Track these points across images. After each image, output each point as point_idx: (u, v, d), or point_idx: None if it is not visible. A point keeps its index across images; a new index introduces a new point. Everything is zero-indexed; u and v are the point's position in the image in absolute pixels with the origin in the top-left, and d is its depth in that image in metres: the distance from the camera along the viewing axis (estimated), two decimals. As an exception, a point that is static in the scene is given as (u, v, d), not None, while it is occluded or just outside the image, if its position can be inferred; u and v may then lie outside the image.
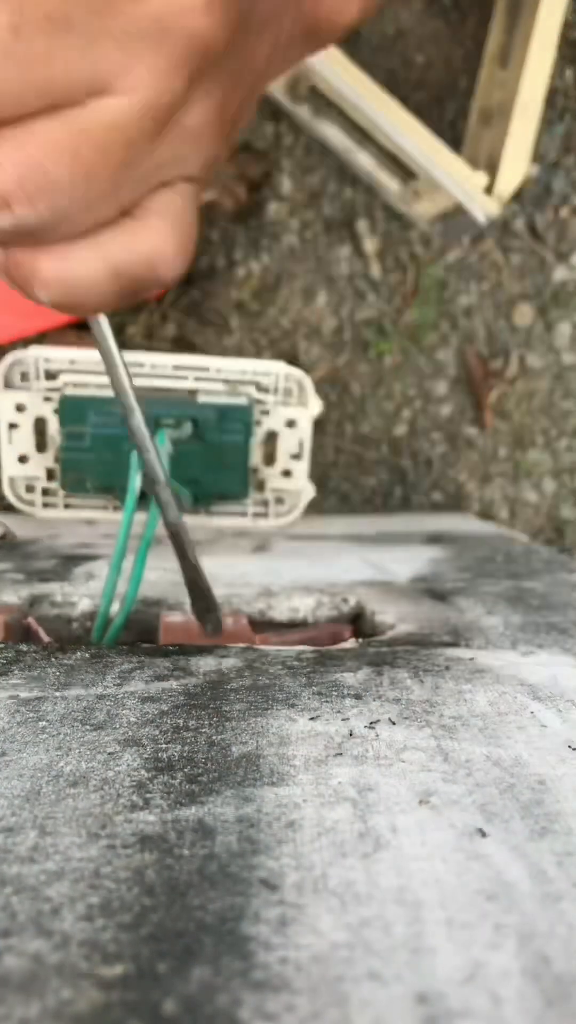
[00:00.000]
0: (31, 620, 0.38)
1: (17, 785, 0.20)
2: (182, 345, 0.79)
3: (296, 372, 0.58)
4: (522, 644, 0.32)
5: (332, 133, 0.73)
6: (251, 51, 0.24)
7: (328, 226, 0.78)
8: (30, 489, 0.62)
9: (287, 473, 0.61)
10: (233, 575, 0.45)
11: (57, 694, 0.26)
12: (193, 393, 0.58)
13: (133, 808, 0.19)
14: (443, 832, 0.18)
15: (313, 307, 0.79)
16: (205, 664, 0.29)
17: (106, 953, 0.14)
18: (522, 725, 0.24)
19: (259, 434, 0.60)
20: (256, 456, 0.60)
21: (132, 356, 0.58)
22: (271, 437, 0.61)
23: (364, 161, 0.74)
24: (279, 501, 0.62)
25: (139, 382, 0.59)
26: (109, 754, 0.22)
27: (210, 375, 0.58)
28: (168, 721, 0.24)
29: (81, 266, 0.22)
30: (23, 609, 0.39)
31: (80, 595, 0.40)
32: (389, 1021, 0.13)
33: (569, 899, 0.16)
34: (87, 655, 0.30)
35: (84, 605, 0.40)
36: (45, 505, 0.62)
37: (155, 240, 0.22)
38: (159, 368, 0.58)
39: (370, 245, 0.78)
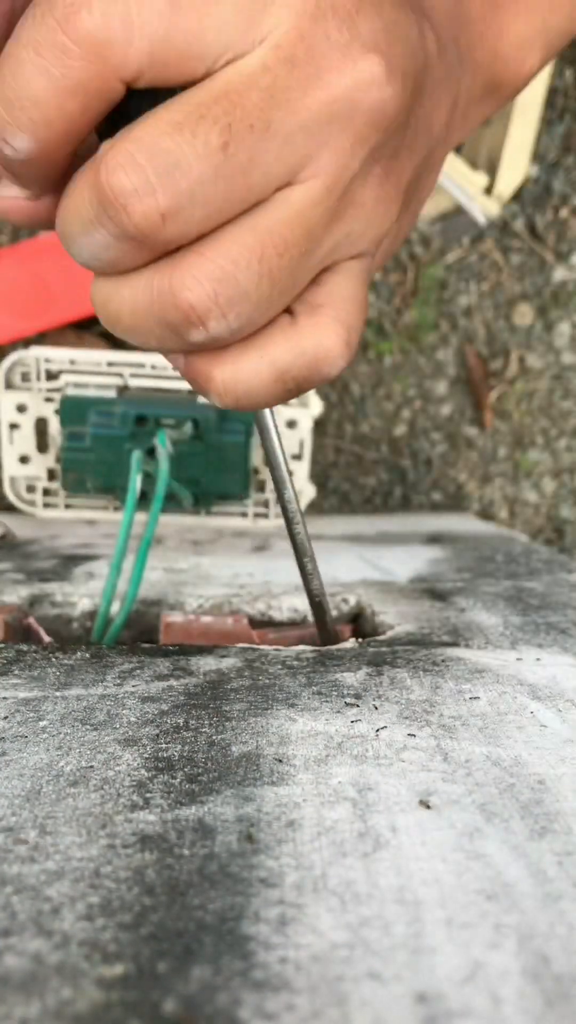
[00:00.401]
0: (31, 620, 0.38)
1: (17, 785, 0.20)
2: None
3: None
4: (522, 644, 0.32)
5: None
6: (427, 116, 0.23)
7: (328, 226, 0.78)
8: (31, 489, 0.62)
9: (288, 474, 0.61)
10: (233, 575, 0.45)
11: (57, 694, 0.26)
12: (193, 394, 0.58)
13: (133, 808, 0.19)
14: (443, 832, 0.18)
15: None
16: (205, 664, 0.29)
17: (106, 953, 0.14)
18: (522, 725, 0.24)
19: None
20: (257, 457, 0.60)
21: (132, 357, 0.58)
22: None
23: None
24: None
25: (139, 383, 0.59)
26: (109, 754, 0.22)
27: None
28: (168, 721, 0.24)
29: (251, 373, 0.21)
30: (23, 609, 0.39)
31: (80, 595, 0.40)
32: (389, 1021, 0.13)
33: (569, 899, 0.16)
34: (87, 655, 0.30)
35: (84, 605, 0.40)
36: (46, 505, 0.62)
37: (319, 339, 0.22)
38: (159, 368, 0.58)
39: (370, 245, 0.78)
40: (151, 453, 0.48)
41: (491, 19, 0.26)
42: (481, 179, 0.66)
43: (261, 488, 0.62)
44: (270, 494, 0.62)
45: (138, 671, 0.29)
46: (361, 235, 0.22)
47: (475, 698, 0.26)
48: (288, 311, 0.22)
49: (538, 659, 0.30)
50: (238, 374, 0.21)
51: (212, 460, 0.57)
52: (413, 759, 0.22)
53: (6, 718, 0.24)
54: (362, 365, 0.80)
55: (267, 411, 0.28)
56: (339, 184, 0.20)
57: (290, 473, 0.31)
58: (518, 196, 0.77)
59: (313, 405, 0.60)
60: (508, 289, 0.79)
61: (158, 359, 0.58)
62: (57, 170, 0.20)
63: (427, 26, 0.22)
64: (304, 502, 0.62)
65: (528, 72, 0.28)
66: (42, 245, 0.65)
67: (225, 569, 0.47)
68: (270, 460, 0.30)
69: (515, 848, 0.18)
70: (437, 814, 0.19)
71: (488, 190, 0.67)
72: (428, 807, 0.20)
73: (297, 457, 0.61)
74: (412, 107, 0.21)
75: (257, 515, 0.62)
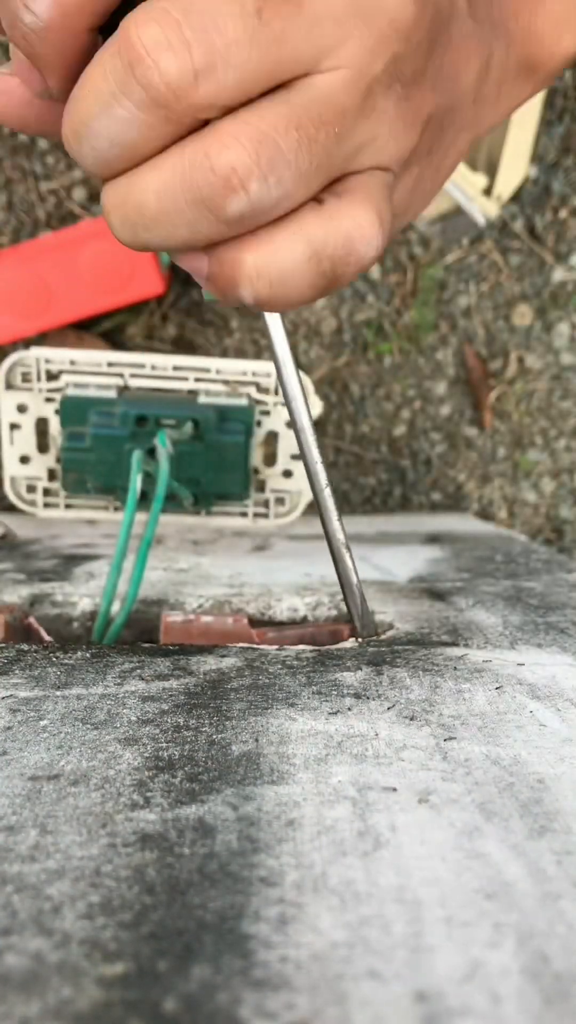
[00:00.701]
0: (32, 620, 0.38)
1: (18, 784, 0.20)
2: (182, 345, 0.79)
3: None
4: (521, 644, 0.32)
5: (332, 134, 0.73)
6: (452, 64, 0.24)
7: (328, 226, 0.78)
8: (31, 489, 0.62)
9: (288, 474, 0.61)
10: (233, 575, 0.45)
11: (58, 693, 0.26)
12: (193, 394, 0.58)
13: (134, 807, 0.19)
14: (442, 831, 0.19)
15: (313, 308, 0.79)
16: (205, 663, 0.29)
17: (106, 952, 0.14)
18: (521, 724, 0.24)
19: (259, 435, 0.60)
20: (257, 457, 0.60)
21: (132, 357, 0.58)
22: (271, 438, 0.61)
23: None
24: (279, 502, 0.62)
25: (139, 383, 0.59)
26: (110, 753, 0.22)
27: (210, 376, 0.58)
28: (168, 720, 0.24)
29: (285, 252, 0.21)
30: (23, 609, 0.39)
31: (80, 595, 0.40)
32: (388, 1019, 0.13)
33: (568, 898, 0.16)
34: (88, 655, 0.30)
35: (84, 605, 0.40)
36: (46, 505, 0.62)
37: (354, 216, 0.21)
38: (159, 369, 0.58)
39: (370, 245, 0.78)
40: (151, 453, 0.48)
41: None
42: (480, 180, 0.66)
43: (261, 488, 0.62)
44: (270, 494, 0.62)
45: (138, 671, 0.29)
46: (384, 145, 0.22)
47: (474, 697, 0.26)
48: (317, 200, 0.21)
49: (537, 659, 0.30)
50: (273, 254, 0.21)
51: (212, 460, 0.57)
52: (413, 758, 0.22)
53: (7, 717, 0.24)
54: (362, 365, 0.80)
55: (278, 324, 0.28)
56: (363, 79, 0.20)
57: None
58: (517, 197, 0.77)
59: (313, 406, 0.60)
60: (507, 290, 0.79)
61: (158, 359, 0.58)
62: (74, 50, 0.19)
63: None
64: (303, 502, 0.62)
65: (564, 53, 0.28)
66: (42, 245, 0.65)
67: (225, 569, 0.47)
68: (281, 382, 0.29)
69: (514, 847, 0.18)
70: (437, 813, 0.19)
71: (487, 191, 0.67)
72: (428, 806, 0.20)
73: (297, 457, 0.61)
74: (434, 43, 0.22)
75: (257, 515, 0.62)
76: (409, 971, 0.14)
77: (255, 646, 0.32)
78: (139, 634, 0.39)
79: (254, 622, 0.39)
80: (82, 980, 0.14)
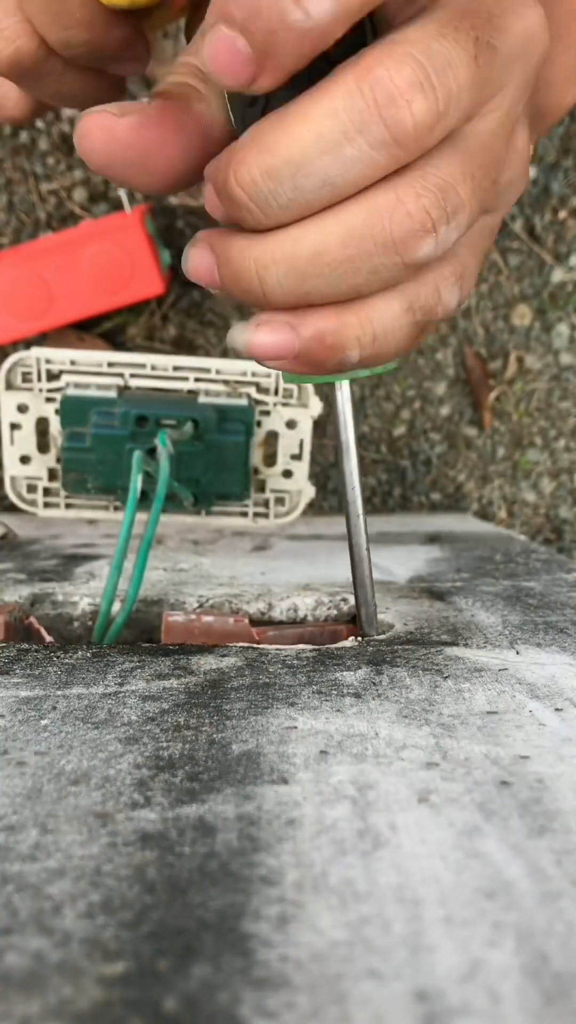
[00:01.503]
0: (32, 620, 0.38)
1: (18, 783, 0.20)
2: (183, 346, 0.79)
3: None
4: (520, 643, 0.32)
5: (331, 134, 0.73)
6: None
7: (327, 227, 0.78)
8: (32, 489, 0.62)
9: (288, 474, 0.61)
10: (233, 575, 0.45)
11: (58, 693, 0.26)
12: (193, 394, 0.58)
13: (134, 806, 0.19)
14: (442, 830, 0.19)
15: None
16: (205, 663, 0.29)
17: (107, 951, 0.14)
18: (520, 724, 0.24)
19: (260, 435, 0.60)
20: (257, 457, 0.60)
21: (133, 357, 0.58)
22: (272, 438, 0.61)
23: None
24: (279, 502, 0.62)
25: (139, 383, 0.59)
26: (110, 752, 0.22)
27: (210, 376, 0.58)
28: (169, 719, 0.24)
29: (383, 307, 0.21)
30: (24, 608, 0.39)
31: (81, 595, 0.40)
32: (388, 1018, 0.13)
33: (568, 897, 0.16)
34: (88, 654, 0.30)
35: (85, 605, 0.40)
36: (46, 505, 0.62)
37: (455, 272, 0.22)
38: (159, 369, 0.58)
39: (369, 246, 0.78)
40: (152, 453, 0.48)
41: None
42: (480, 180, 0.66)
43: (262, 488, 0.62)
44: (270, 494, 0.62)
45: (139, 670, 0.29)
46: (516, 186, 0.22)
47: (474, 697, 0.26)
48: None
49: (537, 658, 0.31)
50: (375, 310, 0.21)
51: (212, 460, 0.57)
52: (412, 758, 0.22)
53: (7, 717, 0.24)
54: (362, 365, 0.80)
55: (346, 391, 0.29)
56: (510, 120, 0.20)
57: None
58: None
59: (313, 406, 0.60)
60: (507, 290, 0.79)
61: (158, 360, 0.58)
62: (320, 50, 0.18)
63: None
64: (303, 502, 0.62)
65: (568, 104, 0.28)
66: (43, 246, 0.65)
67: (225, 569, 0.47)
68: (339, 437, 0.30)
69: (514, 847, 0.18)
70: (436, 812, 0.19)
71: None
72: (428, 805, 0.20)
73: (296, 457, 0.61)
74: None
75: (257, 515, 0.62)
76: (409, 970, 0.14)
77: (255, 646, 0.32)
78: (139, 634, 0.40)
79: (254, 622, 0.39)
80: (82, 979, 0.14)
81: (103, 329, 0.74)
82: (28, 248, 0.65)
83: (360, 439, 0.82)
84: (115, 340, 0.75)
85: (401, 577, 0.45)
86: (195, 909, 0.16)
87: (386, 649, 0.32)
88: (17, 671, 0.28)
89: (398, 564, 0.49)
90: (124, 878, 0.17)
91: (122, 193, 0.68)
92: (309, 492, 0.62)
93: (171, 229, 0.76)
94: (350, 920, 0.15)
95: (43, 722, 0.24)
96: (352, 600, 0.41)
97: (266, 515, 0.62)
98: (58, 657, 0.30)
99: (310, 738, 0.23)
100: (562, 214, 0.78)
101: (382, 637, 0.34)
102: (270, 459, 0.61)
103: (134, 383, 0.58)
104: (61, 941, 0.15)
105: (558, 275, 0.79)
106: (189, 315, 0.78)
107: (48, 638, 0.38)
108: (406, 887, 0.16)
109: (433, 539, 0.60)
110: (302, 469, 0.61)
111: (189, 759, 0.22)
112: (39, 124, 0.72)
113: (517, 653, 0.31)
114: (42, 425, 0.60)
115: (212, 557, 0.50)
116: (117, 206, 0.73)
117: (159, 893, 0.16)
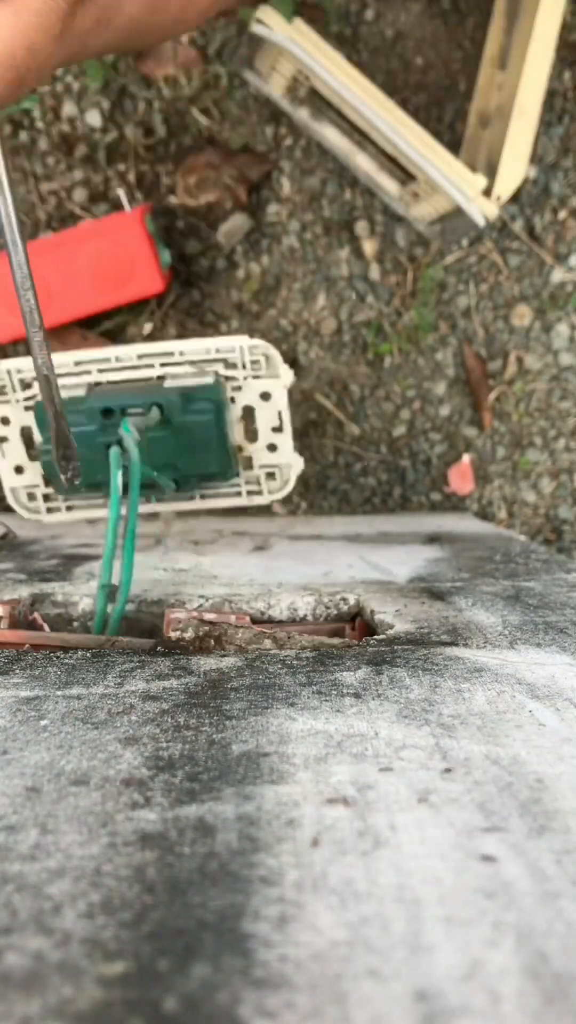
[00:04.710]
0: (37, 615, 0.39)
1: (19, 783, 0.20)
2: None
3: (260, 343, 0.58)
4: (520, 643, 0.32)
5: (331, 135, 0.73)
6: None
7: (327, 228, 0.78)
8: (32, 497, 0.62)
9: (272, 447, 0.61)
10: (233, 574, 0.45)
11: (58, 693, 0.26)
12: (162, 379, 0.58)
13: (134, 806, 0.19)
14: (442, 830, 0.19)
15: (312, 308, 0.79)
16: (205, 663, 0.29)
17: (107, 951, 0.14)
18: (520, 724, 0.24)
19: (236, 411, 0.59)
20: (238, 434, 0.60)
21: (96, 353, 0.58)
22: (249, 413, 0.60)
23: (363, 163, 0.74)
24: (270, 476, 0.62)
25: (109, 377, 0.58)
26: (110, 752, 0.22)
27: (175, 359, 0.58)
28: (169, 720, 0.24)
29: None
30: (27, 604, 0.39)
31: (81, 594, 0.40)
32: (388, 1018, 0.13)
33: (567, 897, 0.16)
34: (88, 654, 0.30)
35: (85, 604, 0.40)
36: (49, 510, 0.62)
37: None
38: (124, 360, 0.58)
39: (369, 247, 0.78)
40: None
41: None
42: (480, 180, 0.66)
43: (250, 466, 0.61)
44: (259, 470, 0.61)
45: (139, 670, 0.29)
46: None
47: (474, 697, 0.26)
48: None
49: (536, 658, 0.30)
50: None
51: (184, 442, 0.57)
52: (412, 758, 0.22)
53: (7, 717, 0.24)
54: (362, 366, 0.80)
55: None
56: None
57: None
58: (517, 197, 0.77)
59: (284, 375, 0.59)
60: (507, 290, 0.79)
61: (121, 351, 0.58)
62: None
63: None
64: (294, 474, 0.61)
65: None
66: (42, 245, 0.65)
67: (225, 569, 0.47)
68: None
69: (514, 846, 0.18)
70: (436, 812, 0.19)
71: (487, 191, 0.67)
72: (427, 805, 0.20)
73: (278, 429, 0.60)
74: None
75: (251, 493, 0.61)
76: (409, 970, 0.14)
77: (255, 646, 0.32)
78: (140, 634, 0.39)
79: (254, 621, 0.39)
80: (82, 979, 0.14)
81: (104, 329, 0.74)
82: (28, 247, 0.65)
83: (360, 439, 0.82)
84: (116, 340, 0.75)
85: (401, 577, 0.45)
86: (195, 909, 0.16)
87: (386, 649, 0.32)
88: (17, 671, 0.28)
89: (398, 564, 0.49)
90: (124, 878, 0.17)
91: (121, 193, 0.68)
92: (298, 464, 0.61)
93: (171, 229, 0.76)
94: (350, 920, 0.15)
95: (43, 722, 0.24)
96: (352, 600, 0.41)
97: (260, 492, 0.61)
98: (58, 657, 0.30)
99: (310, 738, 0.23)
100: (562, 214, 0.78)
101: (382, 637, 0.34)
102: (253, 435, 0.61)
103: (105, 378, 0.58)
104: (61, 941, 0.15)
105: (558, 275, 0.79)
106: (189, 314, 0.78)
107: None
108: (406, 887, 0.16)
109: (433, 539, 0.60)
110: (286, 441, 0.60)
111: (189, 759, 0.22)
112: (39, 124, 0.72)
113: (517, 654, 0.31)
114: (27, 434, 0.60)
115: (212, 557, 0.50)
116: (117, 206, 0.73)
117: (159, 893, 0.16)
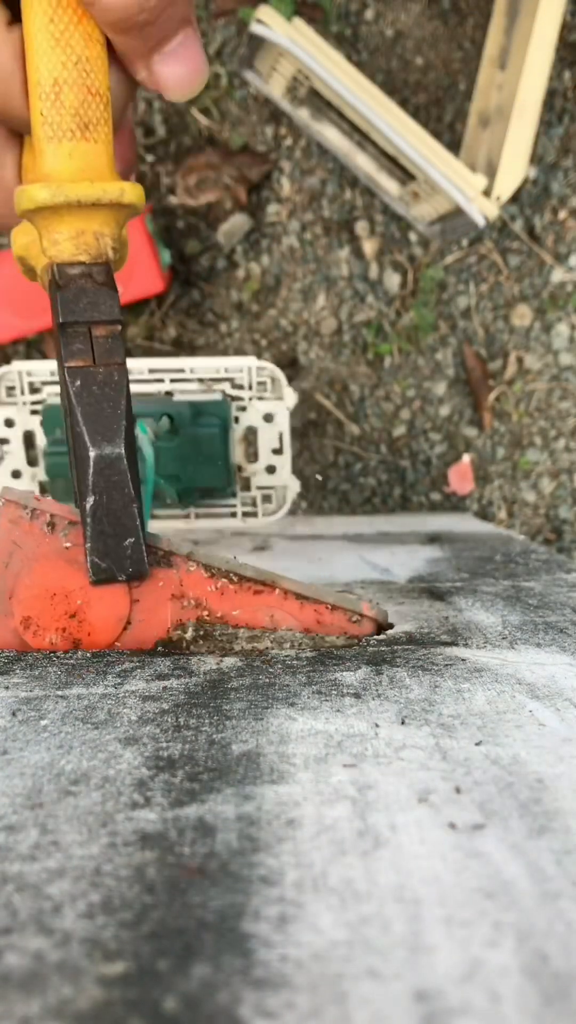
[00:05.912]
0: None
1: (19, 783, 0.20)
2: (182, 346, 0.79)
3: (268, 366, 0.58)
4: (520, 643, 0.32)
5: (331, 135, 0.73)
6: None
7: (327, 228, 0.78)
8: None
9: (271, 469, 0.61)
10: (232, 575, 0.45)
11: (58, 693, 0.26)
12: (170, 395, 0.59)
13: (134, 806, 0.19)
14: (442, 830, 0.19)
15: (312, 308, 0.79)
16: (205, 663, 0.29)
17: (107, 951, 0.14)
18: (520, 724, 0.24)
19: (239, 431, 0.60)
20: (239, 453, 0.60)
21: None
22: (251, 434, 0.61)
23: (363, 163, 0.74)
24: (266, 499, 0.62)
25: None
26: (110, 752, 0.22)
27: (185, 376, 0.59)
28: (169, 720, 0.24)
29: None
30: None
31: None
32: (388, 1018, 0.13)
33: (567, 897, 0.16)
34: (88, 654, 0.30)
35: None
36: None
37: None
38: (136, 372, 0.58)
39: (369, 247, 0.78)
40: None
41: None
42: (480, 181, 0.66)
43: (247, 487, 0.61)
44: (256, 491, 0.62)
45: (139, 670, 0.29)
46: None
47: (474, 697, 0.26)
48: None
49: (536, 658, 0.30)
50: None
51: (190, 453, 0.57)
52: (412, 758, 0.22)
53: (7, 717, 0.24)
54: (362, 366, 0.80)
55: None
56: None
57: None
58: (517, 198, 0.77)
59: (288, 397, 0.59)
60: (507, 290, 0.79)
61: (133, 364, 0.58)
62: None
63: None
64: (290, 497, 0.62)
65: None
66: (42, 246, 0.65)
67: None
68: None
69: (514, 846, 0.18)
70: (436, 812, 0.19)
71: (487, 192, 0.67)
72: (427, 805, 0.20)
73: (278, 451, 0.61)
74: None
75: (246, 514, 0.62)
76: (409, 970, 0.14)
77: (255, 646, 0.32)
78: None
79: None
80: (82, 979, 0.14)
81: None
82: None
83: (360, 439, 0.82)
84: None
85: (401, 577, 0.45)
86: (195, 909, 0.16)
87: (386, 649, 0.32)
88: (17, 671, 0.28)
89: (398, 564, 0.49)
90: (124, 878, 0.17)
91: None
92: (294, 487, 0.61)
93: (171, 229, 0.76)
94: (350, 920, 0.15)
95: (43, 722, 0.24)
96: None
97: (255, 514, 0.62)
98: (58, 657, 0.30)
99: (310, 738, 0.23)
100: (562, 214, 0.78)
101: (382, 637, 0.34)
102: (253, 456, 0.61)
103: None
104: (61, 941, 0.15)
105: (558, 275, 0.79)
106: (189, 315, 0.78)
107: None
108: (406, 887, 0.16)
109: (433, 539, 0.60)
110: (284, 463, 0.61)
111: (189, 759, 0.22)
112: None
113: (517, 654, 0.31)
114: (29, 438, 0.60)
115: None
116: (117, 206, 0.72)
117: (159, 893, 0.16)
